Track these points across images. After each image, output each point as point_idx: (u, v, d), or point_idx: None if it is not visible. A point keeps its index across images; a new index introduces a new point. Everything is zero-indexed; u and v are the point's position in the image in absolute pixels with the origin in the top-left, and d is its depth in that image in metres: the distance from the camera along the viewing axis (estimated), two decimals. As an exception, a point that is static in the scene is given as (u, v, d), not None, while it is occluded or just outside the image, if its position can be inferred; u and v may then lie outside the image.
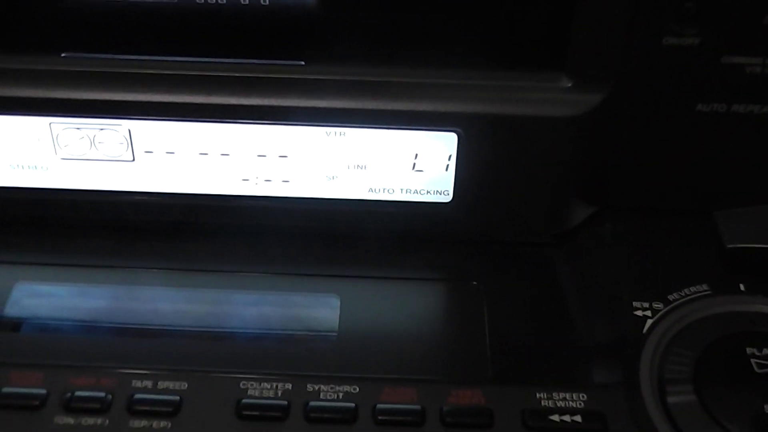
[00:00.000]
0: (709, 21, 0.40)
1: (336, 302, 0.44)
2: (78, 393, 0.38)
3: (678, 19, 0.40)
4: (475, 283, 0.45)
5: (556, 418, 0.38)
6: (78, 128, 0.43)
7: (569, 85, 0.42)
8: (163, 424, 0.37)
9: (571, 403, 0.38)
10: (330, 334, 0.42)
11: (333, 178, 0.44)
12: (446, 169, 0.44)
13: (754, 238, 0.44)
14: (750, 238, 0.44)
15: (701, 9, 0.40)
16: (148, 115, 0.42)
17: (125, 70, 0.42)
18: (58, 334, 0.43)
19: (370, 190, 0.44)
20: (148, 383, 0.39)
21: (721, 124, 0.43)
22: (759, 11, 0.40)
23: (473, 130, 0.42)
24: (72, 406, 0.38)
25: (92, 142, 0.43)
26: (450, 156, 0.43)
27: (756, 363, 0.39)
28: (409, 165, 0.44)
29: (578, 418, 0.38)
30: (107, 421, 0.37)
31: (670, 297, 0.42)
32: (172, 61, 0.42)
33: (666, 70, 0.41)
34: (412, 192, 0.44)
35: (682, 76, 0.42)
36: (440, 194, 0.44)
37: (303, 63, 0.42)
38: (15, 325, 0.43)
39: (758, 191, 0.45)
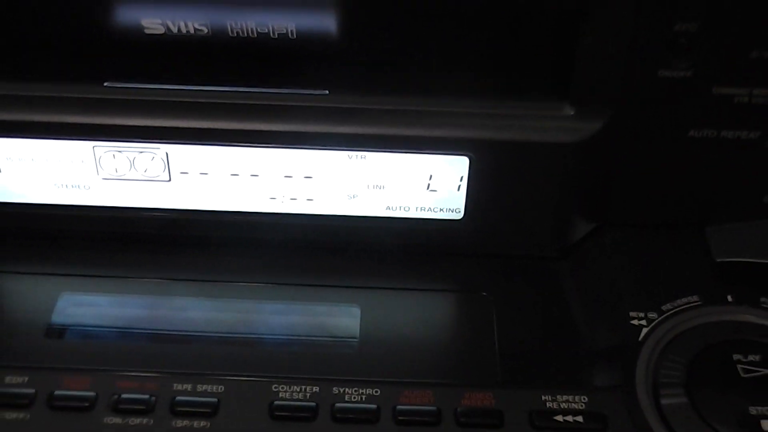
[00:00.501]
0: (701, 55, 0.44)
1: (357, 311, 0.47)
2: (124, 395, 0.42)
3: (672, 54, 0.44)
4: (484, 293, 0.48)
5: (560, 418, 0.41)
6: (119, 151, 0.46)
7: (572, 113, 0.45)
8: (202, 423, 0.41)
9: (573, 404, 0.42)
10: (352, 340, 0.46)
11: (353, 197, 0.48)
12: (458, 189, 0.47)
13: (741, 252, 0.48)
14: (737, 252, 0.48)
15: (693, 44, 0.43)
16: (184, 140, 0.46)
17: (163, 99, 0.45)
18: (102, 341, 0.46)
19: (388, 208, 0.48)
20: (188, 386, 0.42)
21: (711, 148, 0.46)
22: (745, 47, 0.44)
23: (483, 154, 0.46)
24: (119, 408, 0.41)
25: (132, 164, 0.47)
26: (462, 177, 0.47)
27: (742, 368, 0.43)
28: (424, 185, 0.47)
29: (580, 419, 0.41)
30: (152, 421, 0.41)
31: (664, 307, 0.46)
32: (206, 90, 0.45)
33: (661, 99, 0.45)
34: (427, 210, 0.48)
35: (676, 105, 0.45)
36: (452, 212, 0.48)
37: (327, 92, 0.46)
38: (61, 332, 0.46)
39: (745, 208, 0.49)
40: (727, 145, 0.46)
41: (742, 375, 0.43)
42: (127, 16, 0.44)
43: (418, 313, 0.47)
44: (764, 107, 0.45)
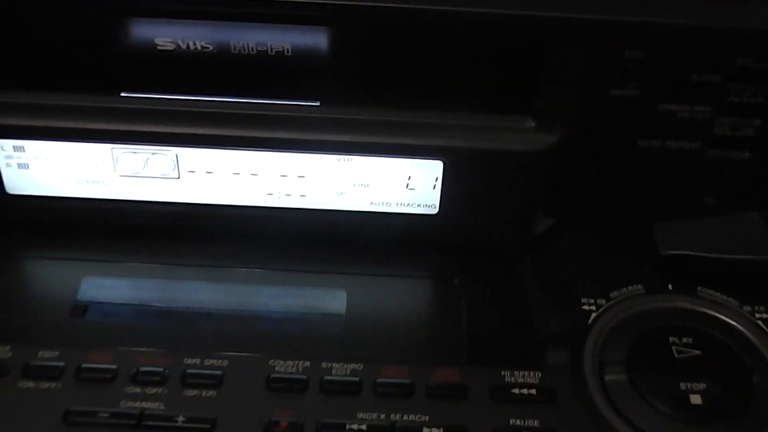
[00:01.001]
0: (647, 77, 0.50)
1: (343, 295, 0.53)
2: (141, 368, 0.48)
3: (621, 76, 0.50)
4: (455, 280, 0.55)
5: (516, 391, 0.47)
6: (134, 152, 0.52)
7: (533, 125, 0.51)
8: (210, 393, 0.47)
9: (528, 379, 0.48)
10: (338, 321, 0.52)
11: (341, 193, 0.54)
12: (433, 188, 0.53)
13: (683, 246, 0.54)
14: (680, 246, 0.54)
15: (640, 68, 0.49)
16: (192, 144, 0.52)
17: (173, 108, 0.51)
18: (120, 319, 0.52)
19: (371, 203, 0.54)
20: (197, 361, 0.48)
21: (657, 156, 0.52)
22: (686, 70, 0.50)
23: (455, 159, 0.52)
24: (138, 379, 0.47)
25: (145, 163, 0.53)
26: (437, 178, 0.53)
27: (676, 350, 0.49)
28: (403, 184, 0.53)
29: (534, 392, 0.47)
30: (166, 391, 0.47)
31: (612, 295, 0.52)
32: (211, 100, 0.51)
33: (612, 115, 0.51)
34: (405, 205, 0.54)
35: (625, 120, 0.51)
36: (428, 207, 0.54)
37: (318, 104, 0.51)
38: (84, 311, 0.52)
39: (689, 208, 0.55)
40: (671, 154, 0.52)
41: (676, 356, 0.48)
42: (142, 34, 0.50)
43: (396, 298, 0.54)
44: (703, 122, 0.51)
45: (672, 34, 0.48)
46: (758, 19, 0.48)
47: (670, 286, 0.52)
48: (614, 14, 0.47)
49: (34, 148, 0.52)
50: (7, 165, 0.52)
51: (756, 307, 0.51)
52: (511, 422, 0.46)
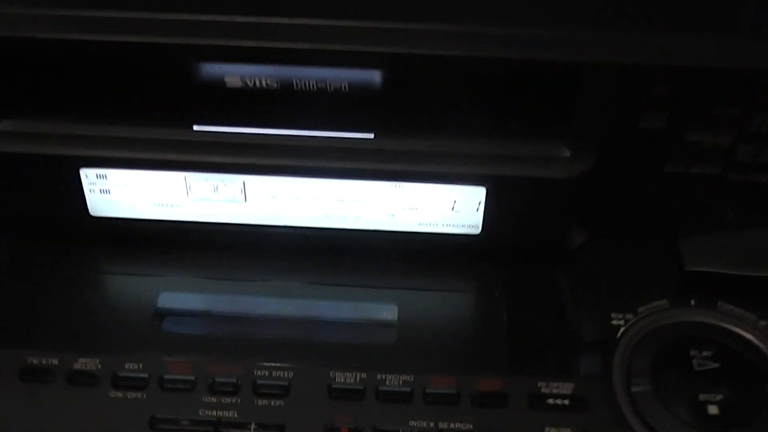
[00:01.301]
0: (673, 110, 0.54)
1: (395, 309, 0.58)
2: (217, 379, 0.54)
3: (649, 110, 0.54)
4: (497, 294, 0.60)
5: (551, 401, 0.53)
6: (206, 180, 0.58)
7: (568, 155, 0.55)
8: (278, 402, 0.53)
9: (563, 390, 0.53)
10: (392, 333, 0.57)
11: (393, 215, 0.59)
12: (477, 211, 0.58)
13: (706, 262, 0.58)
14: (703, 262, 0.58)
15: (666, 103, 0.54)
16: (257, 173, 0.57)
17: (241, 141, 0.56)
18: (195, 332, 0.58)
19: (420, 224, 0.59)
20: (266, 372, 0.54)
21: (682, 180, 0.57)
22: (709, 104, 0.54)
23: (496, 186, 0.56)
24: (214, 389, 0.53)
25: (215, 189, 0.58)
26: (480, 202, 0.57)
27: (696, 362, 0.54)
28: (449, 207, 0.58)
29: (567, 402, 0.53)
30: (239, 400, 0.53)
31: (639, 309, 0.56)
32: (275, 134, 0.56)
33: (641, 144, 0.55)
34: (451, 226, 0.59)
35: (653, 148, 0.55)
36: (472, 228, 0.59)
37: (372, 136, 0.56)
38: (161, 323, 0.58)
39: (711, 224, 0.60)
40: (695, 178, 0.57)
41: (696, 368, 0.53)
42: (213, 73, 0.55)
43: (443, 310, 0.59)
44: (725, 150, 0.56)
45: (696, 74, 0.52)
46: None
47: (692, 301, 0.57)
48: (642, 57, 0.51)
49: (115, 175, 0.57)
50: (91, 191, 0.58)
51: (772, 321, 0.56)
52: (546, 429, 0.52)
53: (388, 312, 0.58)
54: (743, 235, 0.58)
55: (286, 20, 0.52)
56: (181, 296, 0.59)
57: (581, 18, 0.52)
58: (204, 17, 0.52)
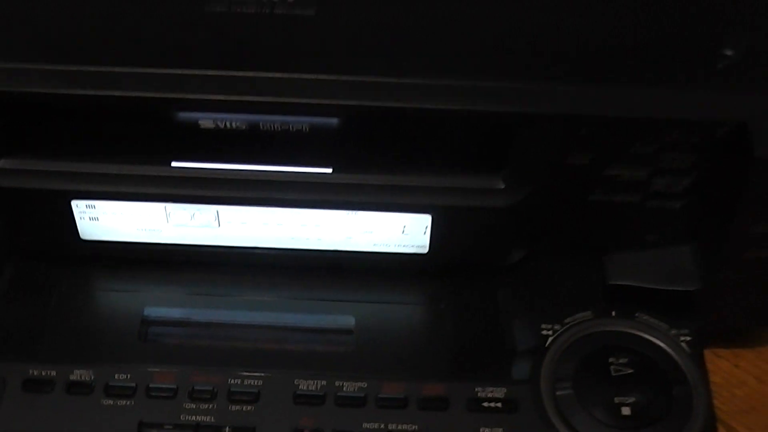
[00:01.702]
0: (596, 150, 0.61)
1: (352, 320, 0.66)
2: (196, 387, 0.61)
3: (575, 149, 0.61)
4: (442, 305, 0.67)
5: (486, 404, 0.61)
6: (184, 209, 0.65)
7: (503, 187, 0.62)
8: (249, 407, 0.61)
9: (496, 394, 0.61)
10: (349, 342, 0.65)
11: (350, 238, 0.66)
12: (424, 233, 0.65)
13: (626, 277, 0.65)
14: (623, 277, 0.65)
15: (590, 143, 0.61)
16: (229, 203, 0.63)
17: (215, 176, 0.63)
18: (176, 343, 0.65)
19: (374, 245, 0.66)
20: (239, 381, 0.61)
21: (606, 207, 0.64)
22: (625, 145, 0.61)
23: (441, 213, 0.63)
24: (194, 396, 0.61)
25: (192, 216, 0.65)
26: (426, 227, 0.64)
27: (613, 368, 0.61)
28: (400, 231, 0.65)
29: (500, 405, 0.61)
30: (215, 406, 0.61)
31: (566, 320, 0.63)
32: (244, 169, 0.63)
33: (568, 177, 0.62)
34: (402, 246, 0.66)
35: (579, 181, 0.62)
36: (420, 248, 0.66)
37: (331, 170, 0.63)
38: (146, 335, 0.65)
39: (632, 243, 0.67)
40: (617, 205, 0.64)
41: (613, 374, 0.61)
42: (187, 118, 0.61)
43: (395, 322, 0.66)
44: (642, 182, 0.63)
45: (613, 121, 0.59)
46: (681, 107, 0.59)
47: (613, 312, 0.65)
48: (566, 108, 0.59)
49: (103, 205, 0.64)
50: (81, 218, 0.65)
51: (681, 330, 0.64)
52: (481, 430, 0.60)
53: (347, 322, 0.66)
54: (660, 253, 0.66)
55: (251, 74, 0.59)
56: (164, 309, 0.66)
57: (514, 72, 0.60)
58: (180, 71, 0.59)
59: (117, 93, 0.58)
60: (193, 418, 0.60)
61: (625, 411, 0.60)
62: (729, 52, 0.62)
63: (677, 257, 0.66)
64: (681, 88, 0.60)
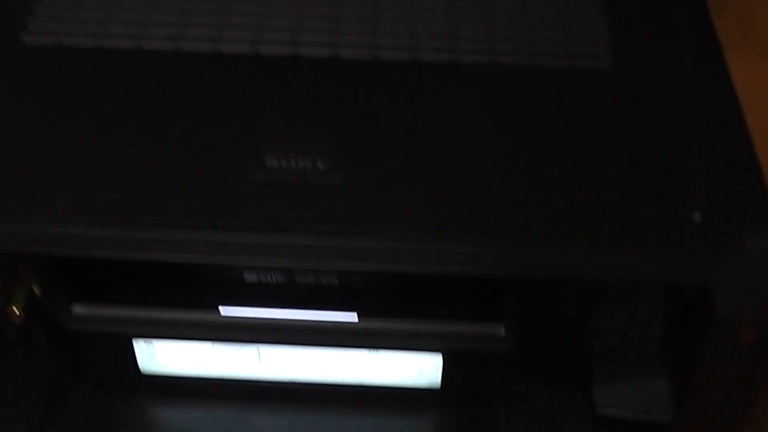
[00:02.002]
0: (580, 304, 0.72)
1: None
2: None
3: (562, 304, 0.72)
4: None
5: None
6: (229, 346, 0.76)
7: (504, 334, 0.73)
8: None
9: None
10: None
11: (372, 372, 0.76)
12: (437, 371, 0.76)
13: (614, 408, 0.76)
14: (611, 407, 0.76)
15: (574, 300, 0.71)
16: (269, 344, 0.74)
17: (257, 322, 0.74)
18: None
19: (393, 380, 0.77)
20: None
21: (592, 348, 0.75)
22: (606, 300, 0.72)
23: (451, 353, 0.74)
24: None
25: (236, 353, 0.76)
26: (438, 365, 0.76)
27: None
28: (416, 368, 0.76)
29: None
30: None
31: None
32: (281, 318, 0.73)
33: (558, 325, 0.72)
34: (416, 381, 0.77)
35: (567, 329, 0.73)
36: (433, 382, 0.77)
37: (356, 317, 0.74)
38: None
39: (612, 370, 0.77)
40: (602, 346, 0.75)
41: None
42: (234, 273, 0.72)
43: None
44: (621, 329, 0.73)
45: (593, 283, 0.70)
46: (649, 271, 0.69)
47: (600, 437, 0.75)
48: (555, 273, 0.69)
49: (159, 343, 0.75)
50: (141, 354, 0.76)
51: (653, 455, 0.74)
52: None
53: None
54: (641, 386, 0.76)
55: (289, 240, 0.70)
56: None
57: (511, 238, 0.70)
58: (228, 238, 0.70)
59: (175, 258, 0.69)
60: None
61: None
62: (696, 217, 0.71)
63: (655, 391, 0.76)
64: (649, 252, 0.67)
